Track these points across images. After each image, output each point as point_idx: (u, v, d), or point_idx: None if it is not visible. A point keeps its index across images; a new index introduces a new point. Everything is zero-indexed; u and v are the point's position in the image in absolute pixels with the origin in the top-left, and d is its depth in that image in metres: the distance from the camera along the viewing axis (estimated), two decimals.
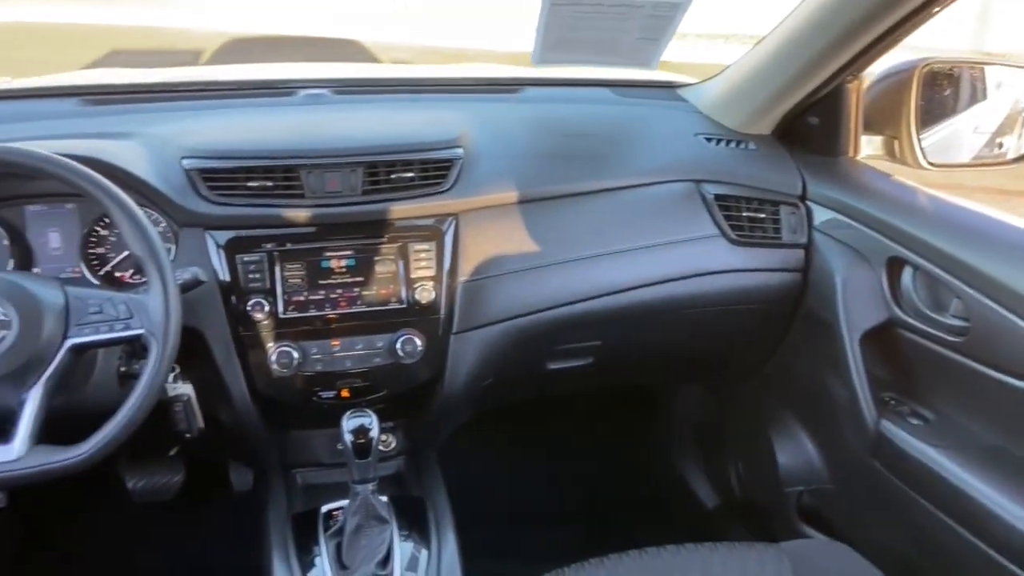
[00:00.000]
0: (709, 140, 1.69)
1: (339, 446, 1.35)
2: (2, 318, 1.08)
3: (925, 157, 1.53)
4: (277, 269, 1.39)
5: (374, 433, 1.26)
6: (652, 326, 1.61)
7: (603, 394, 2.15)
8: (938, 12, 1.31)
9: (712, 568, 1.15)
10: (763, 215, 1.61)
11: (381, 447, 1.54)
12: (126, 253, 1.40)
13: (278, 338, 1.39)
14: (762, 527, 1.86)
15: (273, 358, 1.37)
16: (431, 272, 1.44)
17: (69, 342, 1.11)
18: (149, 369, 1.12)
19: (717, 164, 1.65)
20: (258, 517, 1.50)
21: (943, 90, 1.56)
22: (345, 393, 1.43)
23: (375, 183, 1.41)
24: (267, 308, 1.37)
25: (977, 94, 1.58)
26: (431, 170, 1.44)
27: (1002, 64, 1.58)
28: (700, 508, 2.06)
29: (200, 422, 1.36)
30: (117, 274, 1.42)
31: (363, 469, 1.27)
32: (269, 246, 1.38)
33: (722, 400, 2.01)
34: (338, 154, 1.41)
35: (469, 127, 1.55)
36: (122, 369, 1.27)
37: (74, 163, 1.14)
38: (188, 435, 1.34)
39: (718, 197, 1.59)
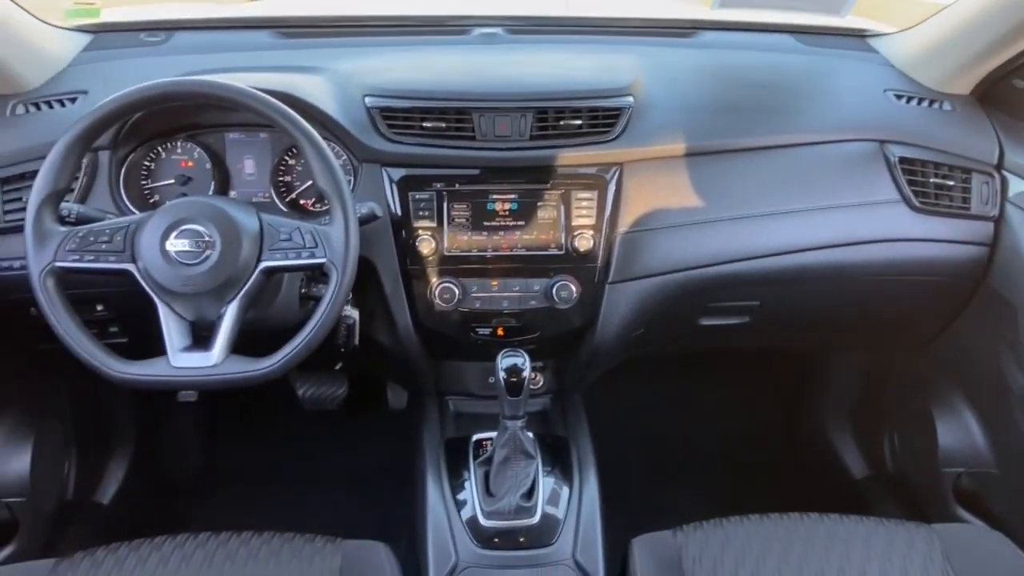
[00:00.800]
0: (900, 97, 1.58)
1: (491, 380, 1.41)
2: (208, 239, 1.19)
3: None
4: (445, 208, 1.44)
5: (526, 373, 1.31)
6: (818, 291, 1.55)
7: (755, 353, 2.10)
8: None
9: (856, 540, 1.12)
10: (952, 182, 1.49)
11: (531, 386, 1.59)
12: (310, 183, 1.50)
13: (441, 274, 1.45)
14: (912, 505, 1.79)
15: (436, 292, 1.44)
16: (591, 221, 1.45)
17: (262, 264, 1.22)
18: (329, 294, 1.21)
19: (906, 124, 1.53)
20: (413, 437, 1.61)
21: None
22: (500, 331, 1.49)
23: (543, 129, 1.43)
24: (433, 244, 1.43)
25: None
26: (600, 118, 1.44)
27: None
28: (847, 478, 2.00)
29: (356, 340, 1.46)
30: (301, 201, 1.52)
31: (514, 406, 1.32)
32: (439, 185, 1.44)
33: (883, 370, 1.92)
34: (510, 98, 1.43)
35: (641, 74, 1.52)
36: (303, 291, 1.38)
37: (269, 97, 1.23)
38: (343, 350, 1.44)
39: (903, 160, 1.49)
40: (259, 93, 1.22)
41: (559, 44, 1.75)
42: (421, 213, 1.44)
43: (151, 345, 1.19)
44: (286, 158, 1.51)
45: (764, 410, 2.19)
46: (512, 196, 1.45)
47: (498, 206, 1.45)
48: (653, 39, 1.76)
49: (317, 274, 1.34)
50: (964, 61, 1.51)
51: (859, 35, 1.77)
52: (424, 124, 1.42)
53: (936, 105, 1.55)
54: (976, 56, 1.48)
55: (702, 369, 2.11)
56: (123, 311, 1.46)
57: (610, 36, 1.79)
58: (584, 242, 1.44)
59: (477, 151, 1.43)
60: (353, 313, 1.43)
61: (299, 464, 2.12)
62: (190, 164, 1.49)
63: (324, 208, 1.51)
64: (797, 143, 1.51)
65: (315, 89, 1.46)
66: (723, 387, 2.18)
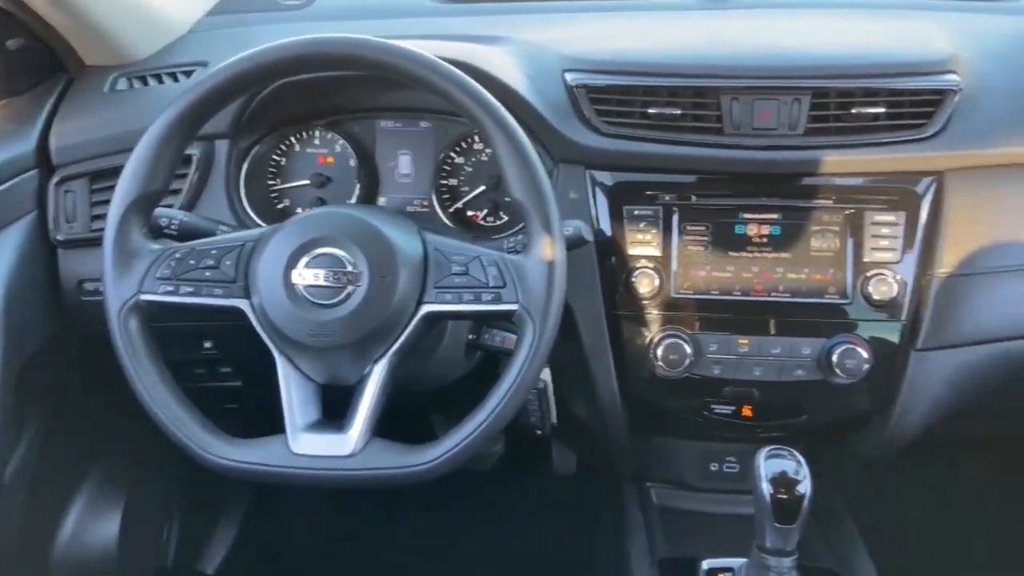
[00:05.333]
0: None
1: (712, 467, 0.98)
2: (351, 270, 0.82)
3: None
4: (675, 230, 1.03)
5: (805, 488, 0.86)
6: None
7: None
8: None
9: None
10: None
11: None
12: (482, 188, 1.12)
13: (666, 324, 1.03)
14: None
15: (658, 351, 1.02)
16: (894, 256, 1.01)
17: (425, 308, 0.84)
18: (522, 358, 0.81)
19: None
20: (607, 543, 1.19)
21: None
22: (747, 411, 1.05)
23: (822, 120, 1.00)
24: (656, 282, 1.02)
25: None
26: (907, 105, 1.00)
27: None
28: None
29: (554, 416, 1.06)
30: (469, 212, 1.14)
31: (783, 537, 0.87)
32: (668, 197, 1.03)
33: None
34: (775, 73, 1.01)
35: (959, 45, 1.04)
36: (471, 337, 0.99)
37: (447, 65, 0.84)
38: (539, 432, 1.04)
39: None
40: (433, 58, 0.84)
41: (815, 9, 1.28)
42: (640, 236, 1.03)
43: (273, 393, 0.86)
44: (452, 155, 1.13)
45: None
46: (774, 216, 1.03)
47: (752, 230, 1.02)
48: (955, 3, 1.27)
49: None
50: None
51: None
52: (649, 110, 1.02)
53: None
54: None
55: (984, 454, 1.55)
56: (238, 352, 1.12)
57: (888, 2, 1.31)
58: (883, 287, 0.99)
59: (725, 150, 1.02)
60: (543, 374, 1.03)
61: (438, 534, 1.74)
62: (330, 160, 1.15)
63: (501, 223, 1.12)
64: None
65: (499, 61, 1.07)
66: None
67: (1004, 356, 1.00)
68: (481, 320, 0.93)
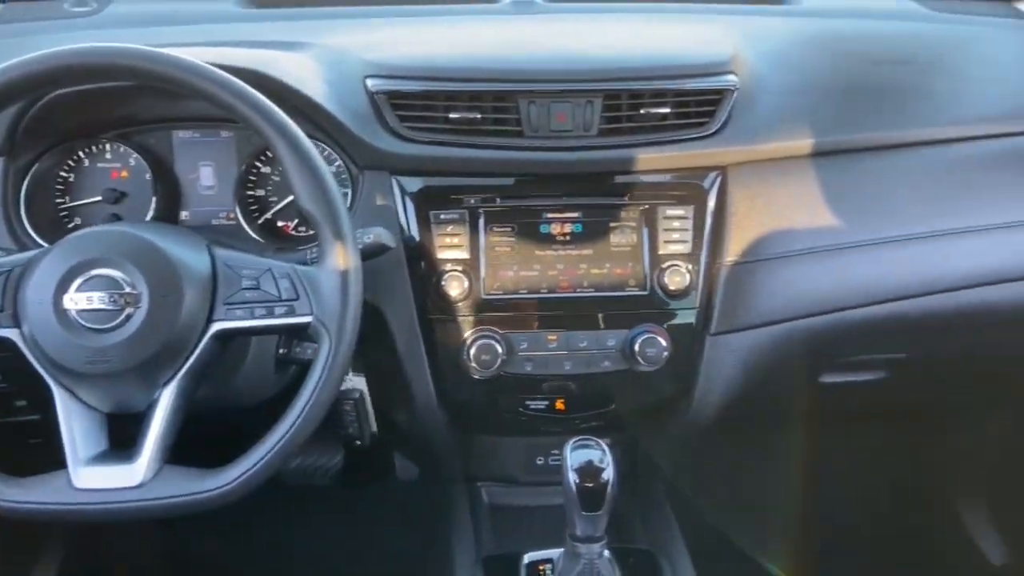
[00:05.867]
0: None
1: (539, 460, 1.01)
2: (129, 290, 0.78)
3: None
4: (481, 232, 1.04)
5: (608, 475, 0.90)
6: (993, 337, 1.14)
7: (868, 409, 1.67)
8: None
9: None
10: None
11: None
12: (291, 198, 1.10)
13: (477, 324, 1.04)
14: None
15: (471, 351, 1.03)
16: (685, 248, 1.05)
17: (215, 327, 0.81)
18: (318, 372, 0.80)
19: None
20: (433, 543, 1.19)
21: None
22: (560, 404, 1.08)
23: (615, 120, 1.04)
24: (466, 284, 1.02)
25: None
26: (692, 105, 1.05)
27: None
28: (990, 567, 1.57)
29: (373, 425, 1.05)
30: (280, 223, 1.12)
31: (591, 523, 0.90)
32: (473, 201, 1.04)
33: None
34: (570, 77, 1.03)
35: (740, 48, 1.12)
36: (281, 351, 0.97)
37: (228, 76, 0.81)
38: (358, 442, 1.03)
39: None
40: (207, 67, 0.81)
41: (619, 12, 1.34)
42: (448, 240, 1.03)
43: None
44: (257, 164, 1.10)
45: (884, 485, 1.74)
46: (575, 215, 1.05)
47: (556, 229, 1.05)
48: (739, 7, 1.35)
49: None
50: None
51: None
52: (451, 115, 1.02)
53: None
54: None
55: (797, 430, 1.67)
56: (27, 384, 1.04)
57: (681, 4, 1.38)
58: (676, 278, 1.04)
59: (525, 152, 1.04)
60: (358, 382, 1.02)
61: (280, 554, 1.69)
62: (124, 174, 1.09)
63: (313, 232, 1.09)
64: (957, 137, 1.12)
65: (297, 68, 1.05)
66: (833, 455, 1.72)
67: (786, 336, 1.07)
68: (278, 334, 0.92)
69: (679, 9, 1.34)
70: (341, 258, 0.81)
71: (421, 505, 1.43)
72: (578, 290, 1.05)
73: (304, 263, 0.84)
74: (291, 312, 0.80)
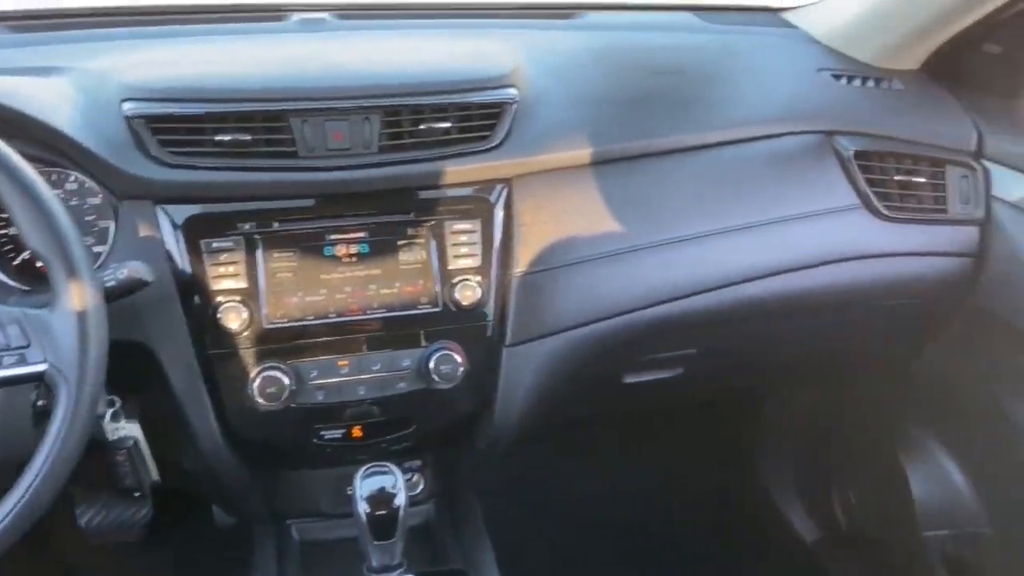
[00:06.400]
0: (838, 77, 1.27)
1: (349, 490, 0.96)
2: None
3: None
4: (260, 259, 0.99)
5: (400, 501, 0.87)
6: (766, 326, 1.21)
7: (680, 401, 1.73)
8: None
9: None
10: (921, 179, 1.19)
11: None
12: None
13: (262, 357, 0.99)
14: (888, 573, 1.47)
15: (255, 385, 0.97)
16: (475, 262, 1.04)
17: None
18: (55, 426, 0.73)
19: (854, 109, 1.23)
20: None
21: None
22: (357, 432, 1.04)
23: (397, 136, 1.02)
24: (246, 315, 0.97)
25: None
26: (474, 119, 1.04)
27: None
28: (802, 547, 1.66)
29: (153, 474, 0.98)
30: (39, 264, 1.01)
31: (386, 553, 0.87)
32: (247, 227, 0.98)
33: (838, 411, 1.60)
34: (345, 94, 1.00)
35: (520, 61, 1.13)
36: (39, 403, 0.87)
37: None
38: (137, 493, 0.95)
39: (859, 155, 1.17)
40: None
41: (408, 30, 1.32)
42: (223, 270, 0.97)
43: None
44: None
45: (701, 471, 1.81)
46: (360, 234, 1.02)
47: (341, 250, 1.01)
48: (525, 21, 1.37)
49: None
50: (911, 31, 1.23)
51: (769, 9, 1.46)
52: (218, 137, 0.96)
53: (884, 84, 1.26)
54: (928, 25, 1.20)
55: (620, 420, 1.71)
56: None
57: (470, 20, 1.39)
58: (468, 292, 1.03)
59: (302, 173, 0.99)
60: (132, 429, 0.94)
61: None
62: None
63: None
64: (727, 140, 1.18)
65: (45, 96, 0.96)
66: (646, 450, 1.78)
67: (581, 338, 1.08)
68: (12, 385, 0.83)
69: (467, 25, 1.35)
70: (77, 298, 0.74)
71: (237, 549, 1.36)
72: (368, 312, 1.02)
73: (36, 307, 0.76)
74: (22, 361, 0.73)
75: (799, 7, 1.44)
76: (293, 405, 0.99)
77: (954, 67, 1.23)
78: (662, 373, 1.25)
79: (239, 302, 0.97)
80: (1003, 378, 1.18)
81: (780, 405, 1.68)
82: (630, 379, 1.24)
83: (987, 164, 1.17)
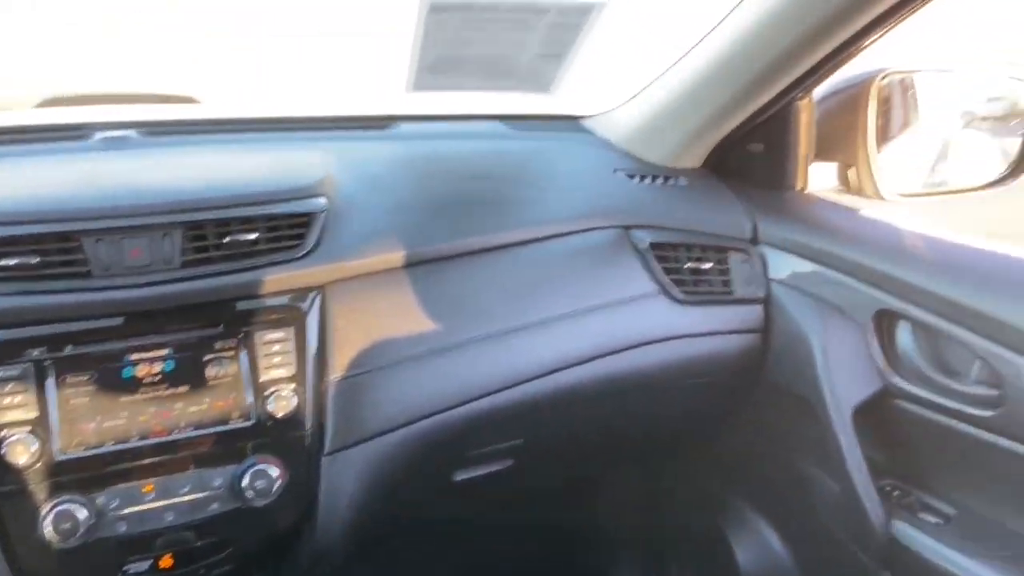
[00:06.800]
0: (632, 177, 1.39)
1: None
2: None
3: (886, 186, 1.29)
4: (51, 386, 0.93)
5: None
6: (584, 411, 1.26)
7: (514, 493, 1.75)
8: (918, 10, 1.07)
9: None
10: (708, 264, 1.30)
11: None
12: None
13: (56, 490, 0.92)
14: None
15: (47, 522, 0.90)
16: (289, 371, 1.03)
17: None
18: None
19: (647, 205, 1.34)
20: None
21: (904, 106, 1.33)
22: (167, 562, 0.98)
23: (203, 251, 1.01)
24: (36, 447, 0.91)
25: (944, 108, 1.36)
26: (282, 228, 1.05)
27: (975, 70, 1.38)
28: None
29: None
30: None
31: None
32: (36, 352, 0.93)
33: (666, 486, 1.67)
34: (142, 212, 0.98)
35: (331, 171, 1.16)
36: None
37: None
38: None
39: (654, 246, 1.28)
40: None
41: (215, 144, 1.33)
42: (8, 400, 0.92)
43: None
44: None
45: (537, 555, 1.80)
46: (163, 352, 0.99)
47: (142, 370, 0.98)
48: (339, 133, 1.42)
49: None
50: (689, 134, 1.37)
51: (569, 118, 1.59)
52: (4, 261, 0.92)
53: (671, 181, 1.38)
54: (700, 128, 1.34)
55: (438, 534, 1.68)
56: None
57: (283, 134, 1.41)
58: (282, 402, 1.02)
59: (95, 293, 0.96)
60: None
61: None
62: None
63: None
64: (532, 238, 1.25)
65: None
66: (490, 555, 1.76)
67: (404, 438, 1.08)
68: None
69: (280, 139, 1.37)
70: None
71: None
72: (175, 432, 0.98)
73: None
74: None
75: (597, 115, 1.58)
76: (92, 540, 0.92)
77: (728, 164, 1.38)
78: (492, 466, 1.27)
79: (28, 433, 0.91)
80: (799, 445, 1.28)
81: (612, 488, 1.73)
82: (461, 476, 1.25)
83: (763, 248, 1.31)
